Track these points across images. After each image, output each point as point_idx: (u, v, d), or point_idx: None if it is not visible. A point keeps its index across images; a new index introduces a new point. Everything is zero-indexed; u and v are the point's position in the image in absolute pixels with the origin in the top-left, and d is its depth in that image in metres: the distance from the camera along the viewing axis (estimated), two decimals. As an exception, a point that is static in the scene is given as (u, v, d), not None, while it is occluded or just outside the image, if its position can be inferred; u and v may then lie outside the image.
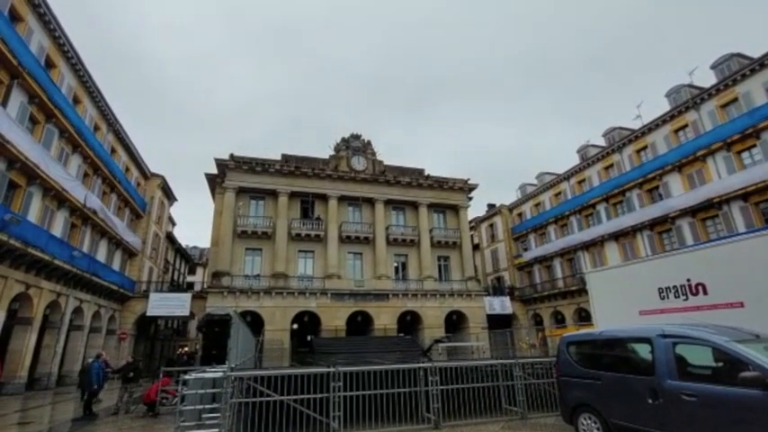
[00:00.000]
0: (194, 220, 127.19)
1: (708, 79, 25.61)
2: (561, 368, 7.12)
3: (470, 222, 38.49)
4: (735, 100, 23.13)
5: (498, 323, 31.75)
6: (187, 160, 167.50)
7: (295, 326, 26.44)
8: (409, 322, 29.38)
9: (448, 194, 33.11)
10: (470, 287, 31.10)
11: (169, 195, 35.95)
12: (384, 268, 29.47)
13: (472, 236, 39.82)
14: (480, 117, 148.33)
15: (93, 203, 22.15)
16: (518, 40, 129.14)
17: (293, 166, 29.26)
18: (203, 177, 30.40)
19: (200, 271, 54.20)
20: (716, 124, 23.72)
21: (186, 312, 26.54)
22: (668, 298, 8.38)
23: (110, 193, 25.68)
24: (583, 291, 28.16)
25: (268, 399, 7.27)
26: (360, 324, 28.12)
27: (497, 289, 37.90)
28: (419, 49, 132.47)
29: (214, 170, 28.86)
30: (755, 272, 7.04)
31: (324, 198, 30.11)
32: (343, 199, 30.55)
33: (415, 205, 32.23)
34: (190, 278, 50.46)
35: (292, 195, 29.41)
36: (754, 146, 21.80)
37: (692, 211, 24.42)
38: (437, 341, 24.69)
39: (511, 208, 42.27)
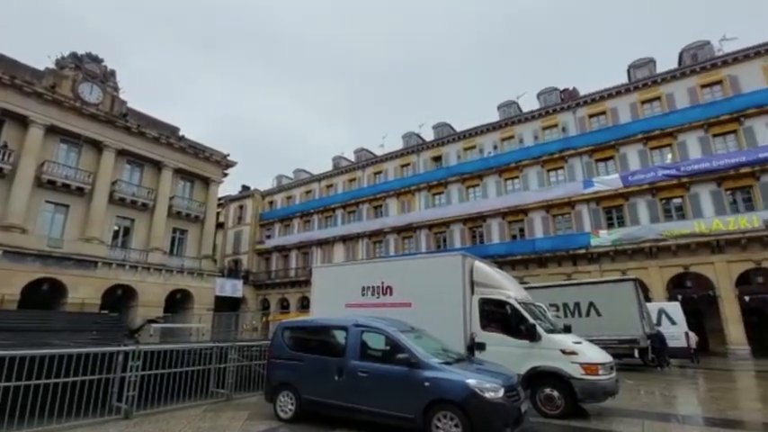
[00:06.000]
0: None
1: (428, 134, 34.36)
2: (273, 351, 7.86)
3: (220, 200, 36.56)
4: (439, 158, 31.64)
5: (227, 305, 31.32)
6: None
7: None
8: (120, 297, 24.96)
9: (202, 164, 30.35)
10: (204, 266, 29.35)
11: None
12: (98, 230, 24.06)
13: (219, 213, 37.87)
14: (258, 94, 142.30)
15: None
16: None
17: (-27, 62, 20.11)
18: None
19: None
20: (427, 170, 31.81)
21: None
22: (367, 295, 10.59)
23: None
24: (308, 282, 31.44)
25: None
26: (45, 295, 21.78)
27: (233, 271, 37.46)
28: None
29: None
30: (418, 281, 9.90)
31: (22, 121, 22.04)
32: (54, 131, 23.20)
33: (158, 165, 27.90)
34: None
35: (-40, 103, 20.11)
36: (442, 192, 30.49)
37: (398, 230, 31.65)
38: (150, 321, 22.20)
39: (264, 195, 42.80)
